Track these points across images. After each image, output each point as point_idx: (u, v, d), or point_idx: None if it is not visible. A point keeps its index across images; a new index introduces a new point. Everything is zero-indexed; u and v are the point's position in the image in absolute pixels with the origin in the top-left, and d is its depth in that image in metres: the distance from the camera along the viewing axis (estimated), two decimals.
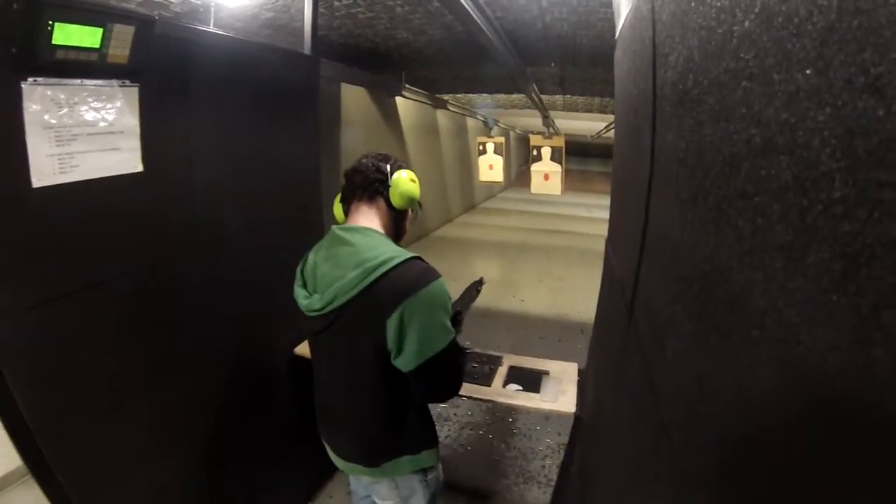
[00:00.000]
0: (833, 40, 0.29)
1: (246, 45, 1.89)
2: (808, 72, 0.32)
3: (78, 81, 1.19)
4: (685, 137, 0.61)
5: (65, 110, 1.17)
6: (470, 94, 8.71)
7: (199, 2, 3.07)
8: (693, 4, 0.58)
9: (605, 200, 2.04)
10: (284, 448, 2.20)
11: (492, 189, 14.77)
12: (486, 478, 2.80)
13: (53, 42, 1.08)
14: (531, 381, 2.00)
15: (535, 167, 5.58)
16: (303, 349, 2.13)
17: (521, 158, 19.99)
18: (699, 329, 0.51)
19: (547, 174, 5.54)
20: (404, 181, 1.38)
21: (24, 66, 1.07)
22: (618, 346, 1.08)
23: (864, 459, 0.25)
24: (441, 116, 10.29)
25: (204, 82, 1.59)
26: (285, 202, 2.10)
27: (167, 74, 1.45)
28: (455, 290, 1.52)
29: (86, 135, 1.22)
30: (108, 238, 1.33)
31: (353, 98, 6.03)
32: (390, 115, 7.50)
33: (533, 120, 11.43)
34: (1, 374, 1.09)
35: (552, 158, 5.49)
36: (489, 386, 1.97)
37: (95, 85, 1.23)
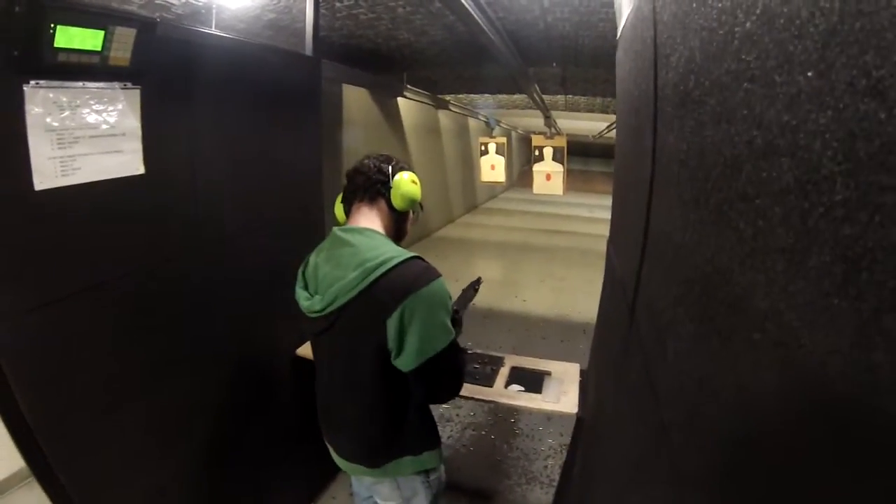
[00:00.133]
0: (835, 42, 0.29)
1: (247, 47, 1.90)
2: (809, 74, 0.32)
3: (80, 84, 1.19)
4: (686, 139, 0.61)
5: (67, 113, 1.17)
6: (472, 95, 8.72)
7: (200, 3, 3.07)
8: (694, 5, 0.58)
9: (607, 201, 2.04)
10: (287, 449, 2.20)
11: (494, 189, 14.77)
12: (488, 478, 2.80)
13: (55, 45, 1.08)
14: (533, 381, 2.00)
15: (537, 167, 5.58)
16: (305, 350, 2.14)
17: (523, 158, 19.98)
18: (700, 331, 0.51)
19: (549, 174, 5.54)
20: (406, 182, 1.38)
21: (26, 69, 1.08)
22: (619, 347, 1.08)
23: (865, 462, 0.25)
24: (443, 117, 10.30)
25: (206, 84, 1.59)
26: (287, 203, 2.10)
27: (169, 76, 1.45)
28: (456, 291, 1.52)
29: (88, 137, 1.22)
30: (110, 240, 1.33)
31: (355, 99, 6.04)
32: (392, 116, 7.50)
33: (535, 120, 11.43)
34: (3, 375, 1.10)
35: (554, 158, 5.49)
36: (491, 386, 1.97)
37: (97, 87, 1.23)
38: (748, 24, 0.42)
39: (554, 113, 9.82)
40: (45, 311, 1.18)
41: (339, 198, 1.47)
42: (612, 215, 1.73)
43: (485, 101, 9.74)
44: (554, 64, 4.92)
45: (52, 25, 1.06)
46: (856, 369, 0.25)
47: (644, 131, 0.93)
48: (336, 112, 5.57)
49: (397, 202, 1.38)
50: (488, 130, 12.62)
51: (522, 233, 10.10)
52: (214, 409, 1.78)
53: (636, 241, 0.96)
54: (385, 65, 5.41)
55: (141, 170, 1.38)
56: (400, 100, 7.54)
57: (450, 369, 1.33)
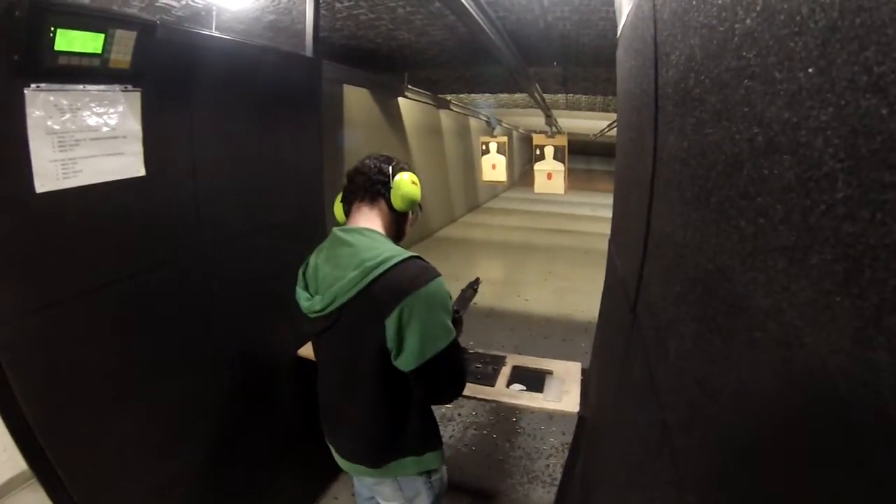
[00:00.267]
0: (835, 39, 0.28)
1: (248, 48, 1.90)
2: (810, 71, 0.31)
3: (80, 87, 1.20)
4: (687, 137, 0.61)
5: (67, 116, 1.17)
6: (473, 94, 8.71)
7: (200, 5, 3.08)
8: (694, 3, 0.58)
9: (609, 199, 2.04)
10: (288, 449, 2.20)
11: (495, 189, 14.76)
12: (490, 477, 2.80)
13: (56, 48, 1.08)
14: (535, 380, 2.00)
15: (538, 166, 5.57)
16: (306, 351, 2.14)
17: (524, 158, 19.96)
18: (702, 330, 0.51)
19: (550, 173, 5.54)
20: (406, 183, 1.38)
21: (27, 73, 1.08)
22: (621, 347, 1.07)
23: (867, 463, 0.25)
24: (444, 117, 10.29)
25: (206, 86, 1.59)
26: (288, 204, 2.10)
27: (169, 78, 1.45)
28: (457, 291, 1.52)
29: (89, 140, 1.23)
30: (112, 241, 1.33)
31: (356, 99, 6.04)
32: (393, 116, 7.50)
33: (536, 119, 11.42)
34: (4, 376, 1.10)
35: (555, 157, 5.48)
36: (493, 386, 1.97)
37: (98, 90, 1.23)
38: (748, 22, 0.42)
39: (555, 112, 9.81)
40: (46, 312, 1.18)
41: (339, 197, 1.47)
42: (614, 214, 1.73)
43: (486, 101, 9.74)
44: (555, 63, 4.91)
45: (53, 29, 1.06)
46: (858, 368, 0.25)
47: (645, 130, 0.92)
48: (337, 112, 5.57)
49: (397, 203, 1.38)
50: (489, 130, 12.64)
51: (524, 232, 10.10)
52: (216, 410, 1.78)
53: (637, 240, 0.96)
54: (386, 65, 5.41)
55: (142, 172, 1.38)
56: (401, 100, 7.53)
57: (451, 370, 1.32)
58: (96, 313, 1.31)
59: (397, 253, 1.25)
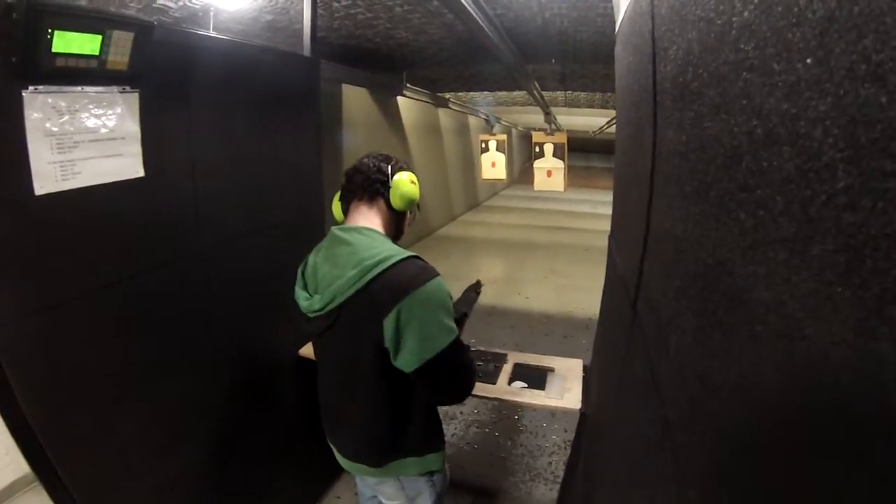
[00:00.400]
0: (833, 28, 0.28)
1: (246, 48, 1.89)
2: (808, 61, 0.31)
3: (78, 88, 1.19)
4: (686, 131, 0.61)
5: (66, 117, 1.17)
6: (471, 93, 8.71)
7: (197, 6, 3.07)
8: None
9: (609, 196, 2.04)
10: (290, 448, 2.21)
11: (495, 187, 14.76)
12: (492, 475, 2.80)
13: (53, 50, 1.08)
14: (536, 378, 2.00)
15: (537, 164, 5.56)
16: (307, 350, 2.14)
17: (523, 155, 19.96)
18: (702, 325, 0.51)
19: (550, 171, 5.52)
20: (405, 182, 1.38)
21: (25, 75, 1.07)
22: (621, 343, 1.07)
23: (871, 456, 0.25)
24: (443, 115, 10.29)
25: (204, 86, 1.59)
26: (287, 204, 2.10)
27: (167, 79, 1.45)
28: (458, 289, 1.52)
29: (87, 141, 1.22)
30: (111, 243, 1.33)
31: (355, 99, 6.03)
32: (392, 115, 7.50)
33: (535, 117, 11.43)
34: (4, 378, 1.10)
35: (555, 155, 5.47)
36: (494, 384, 1.97)
37: (96, 91, 1.23)
38: (746, 14, 0.42)
39: (554, 109, 9.81)
40: (46, 314, 1.18)
41: (337, 196, 1.46)
42: (613, 211, 1.72)
43: (484, 99, 9.74)
44: (553, 60, 4.91)
45: (50, 30, 1.06)
46: (861, 360, 0.25)
47: (644, 125, 0.92)
48: (335, 112, 5.57)
49: (396, 202, 1.38)
50: (489, 128, 12.62)
51: (524, 230, 10.10)
52: (216, 410, 1.78)
53: (637, 236, 0.96)
54: (384, 64, 5.41)
55: (141, 173, 1.38)
56: (399, 99, 7.53)
57: (455, 369, 1.31)
58: (96, 314, 1.31)
59: (396, 252, 1.24)
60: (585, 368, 2.06)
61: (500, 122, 14.63)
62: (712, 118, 0.50)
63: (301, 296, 1.37)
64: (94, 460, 1.33)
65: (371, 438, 1.39)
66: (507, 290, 6.10)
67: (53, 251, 1.19)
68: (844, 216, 0.27)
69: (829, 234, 0.28)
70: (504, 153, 5.98)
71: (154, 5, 2.98)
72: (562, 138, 5.47)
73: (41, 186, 1.13)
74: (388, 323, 1.19)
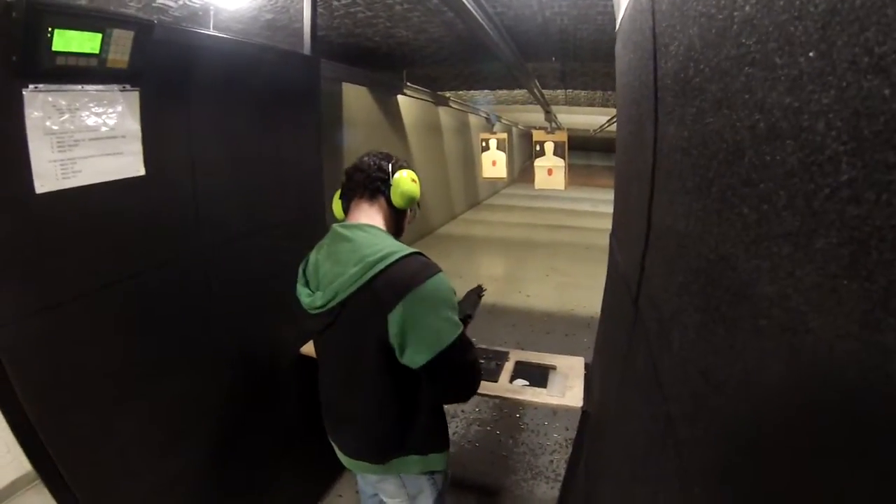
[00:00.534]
0: (835, 21, 0.28)
1: (246, 47, 1.89)
2: (811, 54, 0.31)
3: (79, 87, 1.19)
4: (688, 127, 0.60)
5: (66, 116, 1.17)
6: (472, 91, 8.70)
7: (198, 5, 3.07)
8: None
9: (609, 195, 2.04)
10: (291, 447, 2.21)
11: (495, 185, 14.75)
12: (494, 474, 2.80)
13: (53, 48, 1.08)
14: (538, 376, 2.00)
15: (538, 162, 5.56)
16: (308, 349, 2.14)
17: (524, 154, 19.94)
18: (705, 320, 0.51)
19: (550, 169, 5.52)
20: (405, 181, 1.38)
21: (25, 74, 1.07)
22: (624, 340, 1.07)
23: (878, 451, 0.25)
24: (443, 114, 10.28)
25: (204, 85, 1.59)
26: (288, 203, 2.10)
27: (168, 78, 1.45)
28: (459, 288, 1.52)
29: (88, 140, 1.22)
30: (112, 241, 1.33)
31: (355, 97, 6.03)
32: (392, 114, 7.50)
33: (535, 115, 11.42)
34: (6, 377, 1.10)
35: (555, 153, 5.47)
36: (496, 382, 1.97)
37: (96, 90, 1.23)
38: (747, 8, 0.42)
39: (554, 108, 9.81)
40: (48, 313, 1.18)
41: (337, 194, 1.46)
42: (615, 209, 1.72)
43: (485, 98, 9.73)
44: (553, 58, 4.91)
45: (50, 29, 1.06)
46: (867, 352, 0.25)
47: (645, 122, 0.92)
48: (336, 111, 5.57)
49: (397, 200, 1.38)
50: (489, 126, 12.62)
51: (525, 228, 10.09)
52: (217, 409, 1.78)
53: (639, 233, 0.96)
54: (384, 63, 5.40)
55: (141, 171, 1.38)
56: (400, 97, 7.53)
57: (460, 367, 1.30)
58: (97, 314, 1.31)
59: (398, 249, 1.24)
60: (587, 366, 2.06)
61: (500, 121, 14.62)
62: (714, 113, 0.50)
63: (303, 293, 1.36)
64: (95, 459, 1.33)
65: (372, 435, 1.39)
66: (508, 288, 6.09)
67: (54, 250, 1.19)
68: (849, 209, 0.27)
69: (834, 228, 0.28)
70: (505, 152, 5.98)
71: (154, 4, 2.98)
72: (562, 137, 5.47)
73: (42, 185, 1.13)
74: (393, 319, 1.19)
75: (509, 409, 3.36)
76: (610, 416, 1.19)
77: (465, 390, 1.37)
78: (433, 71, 6.29)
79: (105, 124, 1.26)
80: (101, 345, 1.33)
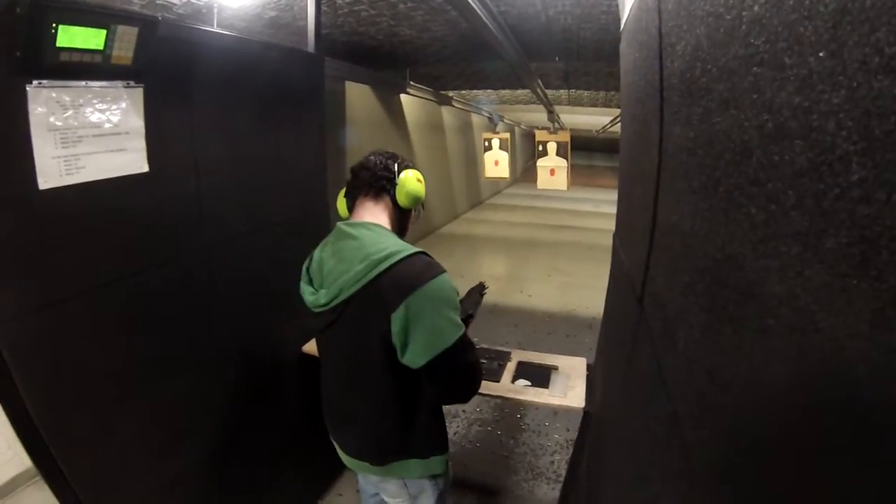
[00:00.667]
0: (846, 21, 0.28)
1: (249, 45, 1.89)
2: (821, 54, 0.31)
3: (82, 83, 1.19)
4: (694, 126, 0.60)
5: (70, 112, 1.17)
6: (475, 91, 8.71)
7: (202, 3, 3.08)
8: None
9: (612, 195, 2.03)
10: (293, 446, 2.21)
11: (498, 185, 14.75)
12: (495, 474, 2.80)
13: (57, 44, 1.08)
14: (540, 376, 2.00)
15: (540, 162, 5.57)
16: (310, 347, 2.14)
17: (527, 154, 19.94)
18: (712, 320, 0.51)
19: (553, 169, 5.53)
20: (411, 181, 1.38)
21: (29, 69, 1.08)
22: (627, 340, 1.07)
23: (885, 450, 0.25)
24: (446, 113, 10.28)
25: (208, 82, 1.59)
26: (291, 202, 2.10)
27: (171, 75, 1.45)
28: (461, 287, 1.52)
29: (91, 136, 1.23)
30: (115, 238, 1.33)
31: (358, 96, 6.03)
32: (395, 113, 7.50)
33: (538, 115, 11.41)
34: (8, 374, 1.10)
35: (558, 153, 5.48)
36: (498, 382, 1.97)
37: (100, 86, 1.23)
38: (756, 8, 0.41)
39: (557, 108, 9.81)
40: (50, 310, 1.18)
41: (342, 192, 1.46)
42: (618, 208, 1.72)
43: (488, 97, 9.73)
44: (556, 58, 4.90)
45: (54, 25, 1.06)
46: (877, 351, 0.25)
47: (650, 122, 0.92)
48: (339, 109, 5.57)
49: (402, 200, 1.38)
50: (492, 126, 12.61)
51: (527, 228, 10.09)
52: (219, 408, 1.79)
53: (644, 233, 0.95)
54: (387, 61, 5.41)
55: (145, 168, 1.38)
56: (403, 96, 7.53)
57: (462, 367, 1.30)
58: (99, 312, 1.31)
59: (403, 248, 1.24)
60: (589, 367, 2.06)
61: (503, 121, 14.61)
62: (721, 113, 0.50)
63: (306, 290, 1.36)
64: (96, 457, 1.33)
65: (374, 436, 1.39)
66: (510, 288, 6.09)
67: (56, 247, 1.19)
68: (859, 209, 0.27)
69: (844, 227, 0.28)
70: (507, 151, 5.99)
71: (157, 1, 2.99)
72: (565, 137, 5.48)
73: (45, 181, 1.13)
74: (396, 318, 1.19)
75: (510, 410, 3.36)
76: (612, 416, 1.19)
77: (465, 391, 1.37)
78: (436, 70, 6.29)
79: (109, 121, 1.26)
80: (103, 343, 1.33)
